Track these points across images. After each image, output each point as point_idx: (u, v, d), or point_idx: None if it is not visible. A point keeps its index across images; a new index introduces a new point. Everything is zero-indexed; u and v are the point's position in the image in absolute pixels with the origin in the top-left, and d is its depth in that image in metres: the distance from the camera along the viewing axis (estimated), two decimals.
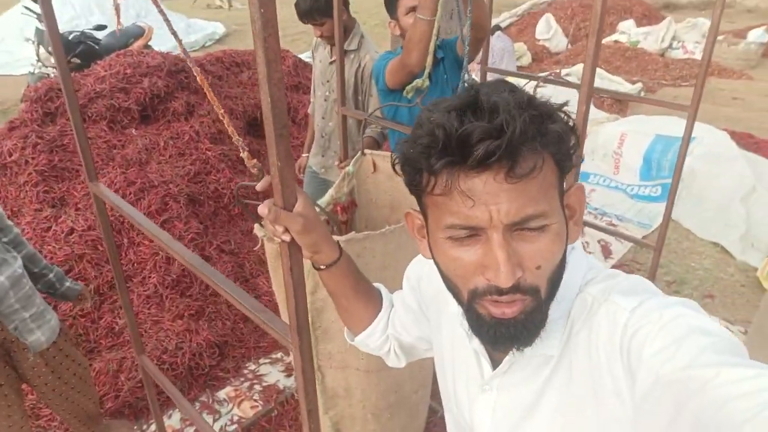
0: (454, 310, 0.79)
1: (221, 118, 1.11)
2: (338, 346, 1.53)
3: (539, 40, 9.11)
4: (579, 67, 6.92)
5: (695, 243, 3.88)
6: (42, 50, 5.97)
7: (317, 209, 1.65)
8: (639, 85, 6.77)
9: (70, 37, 5.97)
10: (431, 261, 0.88)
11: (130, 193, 3.15)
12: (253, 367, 2.71)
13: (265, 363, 2.73)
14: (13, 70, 8.33)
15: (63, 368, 1.92)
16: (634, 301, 0.62)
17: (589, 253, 3.45)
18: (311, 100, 2.94)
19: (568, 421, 0.67)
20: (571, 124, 0.63)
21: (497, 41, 7.44)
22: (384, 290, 1.02)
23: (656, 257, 2.48)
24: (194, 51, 9.36)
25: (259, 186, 0.82)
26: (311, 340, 1.51)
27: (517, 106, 0.57)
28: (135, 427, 2.38)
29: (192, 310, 2.83)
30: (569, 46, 8.95)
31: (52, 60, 6.16)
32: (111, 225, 3.03)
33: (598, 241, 3.91)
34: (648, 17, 10.03)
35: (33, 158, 3.22)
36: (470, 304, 0.65)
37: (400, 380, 1.62)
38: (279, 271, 1.57)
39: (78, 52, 5.93)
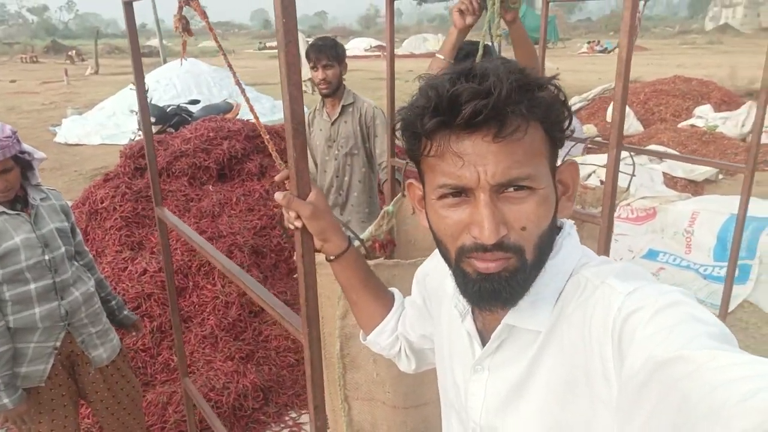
0: (450, 291, 0.82)
1: (267, 144, 1.25)
2: (365, 376, 1.55)
3: (608, 123, 9.09)
4: (650, 147, 6.83)
5: None
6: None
7: (356, 242, 1.74)
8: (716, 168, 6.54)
9: (168, 110, 6.69)
10: (437, 258, 0.94)
11: None
12: (294, 415, 2.73)
13: (305, 413, 2.74)
14: (119, 140, 9.35)
15: (118, 387, 2.05)
16: (630, 285, 0.62)
17: None
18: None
19: (560, 399, 0.67)
20: (561, 97, 0.66)
21: None
22: (398, 293, 1.07)
23: None
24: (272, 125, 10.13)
25: (278, 177, 0.93)
26: (339, 367, 1.56)
27: (507, 72, 0.62)
28: None
29: (243, 353, 2.93)
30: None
31: (152, 129, 6.92)
32: (179, 269, 3.27)
33: None
34: (728, 103, 9.81)
35: (120, 206, 3.59)
36: (457, 264, 0.68)
37: (428, 419, 1.60)
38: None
39: (173, 122, 6.61)
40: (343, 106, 2.79)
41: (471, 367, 0.77)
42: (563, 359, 0.66)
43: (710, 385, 0.46)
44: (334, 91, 2.74)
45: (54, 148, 9.45)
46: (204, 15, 1.09)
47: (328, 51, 2.66)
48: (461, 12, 1.84)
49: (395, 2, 2.24)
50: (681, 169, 6.36)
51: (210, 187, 3.95)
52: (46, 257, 1.79)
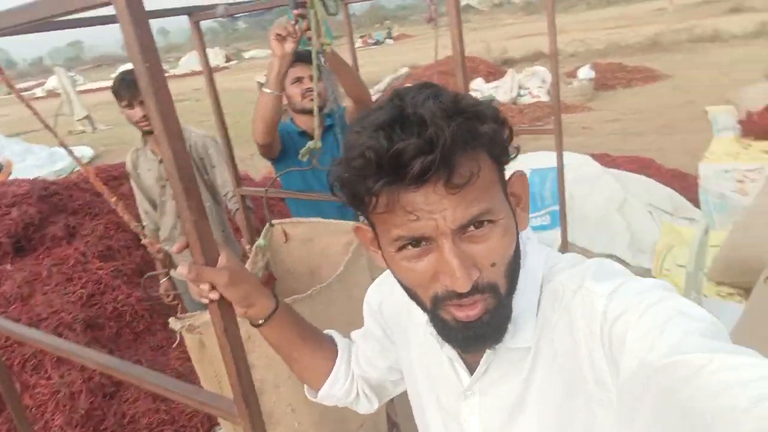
0: (421, 320, 0.77)
1: (115, 207, 1.06)
2: (285, 429, 1.44)
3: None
4: None
5: (594, 257, 4.21)
6: None
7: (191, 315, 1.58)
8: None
9: None
10: (389, 283, 0.87)
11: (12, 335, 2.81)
12: None
13: None
14: None
15: None
16: (610, 285, 0.61)
17: None
18: (145, 224, 2.77)
19: (558, 408, 0.66)
20: (502, 118, 0.63)
21: None
22: (336, 334, 0.99)
23: None
24: (64, 177, 8.87)
25: (176, 248, 0.78)
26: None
27: (444, 115, 0.57)
28: None
29: None
30: None
31: None
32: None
33: None
34: (493, 73, 11.22)
35: None
36: (434, 311, 0.65)
37: None
38: (203, 363, 1.48)
39: None
40: None
41: (460, 393, 0.75)
42: (555, 368, 0.66)
43: (711, 390, 0.46)
44: None
45: None
46: None
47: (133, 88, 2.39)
48: (279, 38, 1.76)
49: (195, 31, 2.09)
50: None
51: (8, 266, 3.29)
52: None
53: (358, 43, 32.84)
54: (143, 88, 0.66)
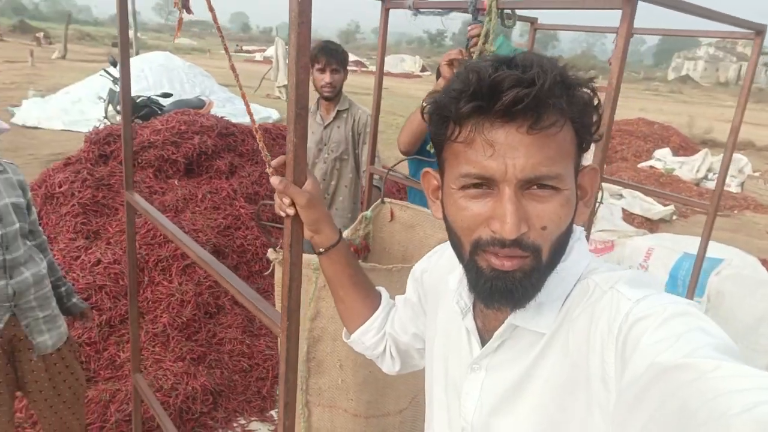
0: (453, 286, 0.80)
1: (256, 134, 1.20)
2: (329, 381, 1.51)
3: None
4: (611, 186, 7.04)
5: None
6: (110, 108, 6.50)
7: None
8: (671, 207, 6.80)
9: (137, 100, 6.51)
10: (439, 252, 0.92)
11: (160, 235, 3.28)
12: (243, 422, 2.64)
13: (255, 420, 2.65)
14: (83, 127, 9.02)
15: (60, 378, 1.93)
16: (640, 293, 0.61)
17: None
18: None
19: (558, 400, 0.66)
20: (595, 101, 0.66)
21: None
22: (385, 292, 1.04)
23: None
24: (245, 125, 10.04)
25: (275, 162, 0.89)
26: (304, 371, 1.52)
27: (550, 65, 0.61)
28: None
29: (194, 355, 2.83)
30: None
31: (117, 118, 6.71)
32: (135, 265, 3.14)
33: None
34: (685, 148, 10.26)
35: (79, 192, 3.44)
36: (471, 257, 0.66)
37: (387, 431, 1.57)
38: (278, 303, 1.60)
39: (141, 114, 6.43)
40: (338, 111, 2.80)
41: (468, 365, 0.76)
42: (564, 361, 0.66)
43: (712, 393, 0.45)
44: (335, 95, 2.75)
45: (10, 129, 9.04)
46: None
47: (339, 56, 2.69)
48: (450, 63, 1.86)
49: (370, 18, 2.26)
50: (639, 207, 6.58)
51: (176, 181, 3.83)
52: None
53: None
54: (291, 21, 0.78)
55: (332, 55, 2.67)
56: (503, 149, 0.61)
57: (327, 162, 2.84)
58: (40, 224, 3.36)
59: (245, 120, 10.20)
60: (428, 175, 0.78)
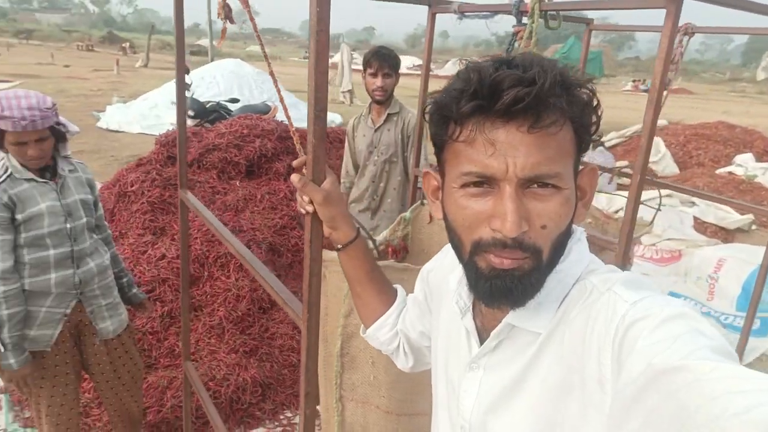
0: (453, 286, 0.81)
1: (293, 136, 1.26)
2: (362, 377, 1.54)
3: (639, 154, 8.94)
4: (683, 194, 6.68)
5: None
6: None
7: (370, 243, 1.75)
8: (750, 216, 6.35)
9: (207, 106, 6.85)
10: (445, 251, 0.94)
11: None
12: (289, 415, 2.72)
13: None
14: (157, 131, 9.55)
15: (120, 362, 2.08)
16: (637, 295, 0.61)
17: None
18: (342, 180, 3.13)
19: (553, 401, 0.66)
20: (594, 102, 0.66)
21: (598, 156, 7.45)
22: (401, 289, 1.07)
23: None
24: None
25: (296, 162, 0.94)
26: (338, 366, 1.56)
27: (550, 66, 0.62)
28: None
29: (247, 348, 2.95)
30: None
31: (189, 122, 7.10)
32: (196, 258, 3.32)
33: None
34: None
35: (149, 191, 3.68)
36: (471, 258, 0.67)
37: (420, 430, 1.58)
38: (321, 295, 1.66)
39: (211, 118, 6.77)
40: (388, 114, 2.86)
41: (466, 364, 0.77)
42: (560, 362, 0.66)
43: (709, 395, 0.45)
44: (386, 99, 2.82)
45: (95, 133, 9.76)
46: (246, 4, 1.12)
47: (391, 60, 2.75)
48: None
49: (438, 21, 2.29)
50: (713, 215, 6.19)
51: (237, 182, 4.02)
52: (68, 226, 1.84)
53: (629, 86, 30.79)
54: (311, 27, 0.83)
55: (384, 60, 2.73)
56: (504, 148, 0.62)
57: (377, 164, 2.90)
58: (113, 220, 3.63)
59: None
60: (429, 176, 0.79)
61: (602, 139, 8.88)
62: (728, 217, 6.16)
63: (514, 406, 0.70)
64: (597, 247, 1.64)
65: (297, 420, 2.68)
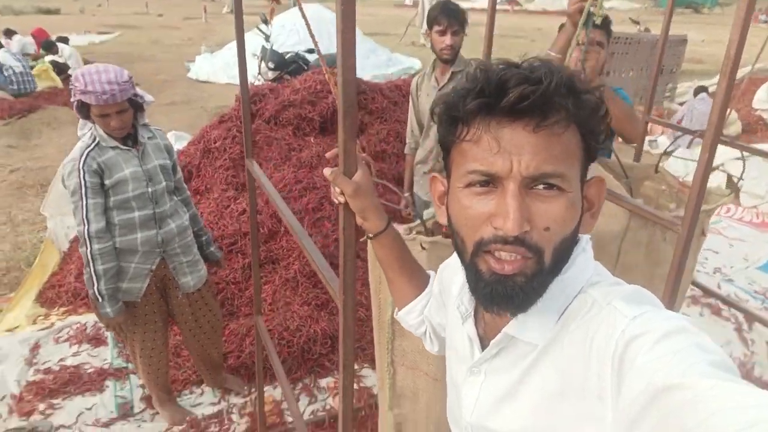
0: (455, 291, 0.83)
1: (328, 81, 1.27)
2: (412, 344, 1.60)
3: (756, 110, 8.08)
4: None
5: None
6: (263, 65, 7.03)
7: (419, 221, 1.76)
8: None
9: (286, 57, 6.96)
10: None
11: (295, 189, 3.58)
12: (356, 367, 2.87)
13: (367, 367, 2.88)
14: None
15: (201, 314, 2.28)
16: (637, 310, 0.61)
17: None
18: (408, 141, 3.07)
19: (546, 411, 0.67)
20: (603, 110, 0.66)
21: (700, 104, 6.82)
22: (434, 275, 1.08)
23: None
24: (375, 81, 10.21)
25: (328, 154, 0.97)
26: (389, 333, 1.62)
27: (558, 69, 0.63)
28: (245, 387, 2.69)
29: (319, 301, 3.11)
30: None
31: (269, 74, 7.27)
32: (275, 213, 3.49)
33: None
34: None
35: (230, 147, 3.86)
36: (473, 259, 0.66)
37: None
38: (372, 265, 1.71)
39: (290, 69, 6.88)
40: (452, 72, 2.78)
41: (468, 368, 0.79)
42: (556, 373, 0.66)
43: (708, 411, 0.45)
44: (455, 57, 2.74)
45: (185, 84, 10.26)
46: None
47: (460, 16, 2.66)
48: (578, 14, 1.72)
49: None
50: None
51: (312, 138, 4.11)
52: (149, 189, 2.00)
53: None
54: (337, 29, 0.82)
55: (453, 16, 2.63)
56: (509, 146, 0.62)
57: None
58: (199, 175, 3.86)
59: (387, 71, 10.37)
60: (436, 180, 0.79)
61: (705, 84, 8.07)
62: None
63: (511, 411, 0.72)
64: (657, 224, 1.51)
65: (363, 373, 2.83)
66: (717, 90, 1.23)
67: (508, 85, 0.61)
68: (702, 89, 7.04)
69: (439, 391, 1.62)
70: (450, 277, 0.91)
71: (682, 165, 4.81)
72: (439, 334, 1.04)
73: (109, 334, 2.99)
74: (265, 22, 7.01)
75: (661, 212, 1.49)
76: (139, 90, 1.97)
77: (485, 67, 0.64)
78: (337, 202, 0.96)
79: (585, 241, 0.72)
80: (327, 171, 0.93)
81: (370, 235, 1.02)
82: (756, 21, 25.65)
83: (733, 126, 7.56)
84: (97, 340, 2.99)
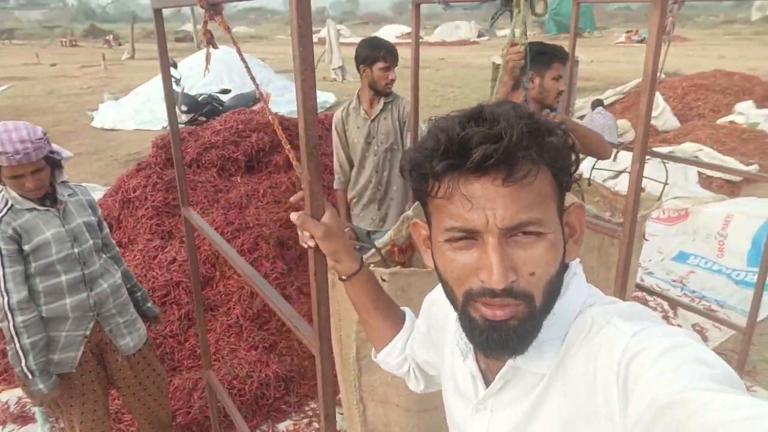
0: (453, 328, 0.82)
1: (286, 150, 1.26)
2: (381, 378, 1.58)
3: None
4: (686, 146, 6.64)
5: None
6: (175, 109, 6.82)
7: (375, 250, 1.76)
8: (755, 167, 6.31)
9: (199, 99, 6.80)
10: None
11: (227, 231, 3.46)
12: (314, 405, 2.79)
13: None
14: (153, 126, 9.56)
15: (144, 375, 2.13)
16: (636, 326, 0.62)
17: None
18: (336, 176, 3.11)
19: None
20: (570, 142, 0.66)
21: (598, 117, 7.37)
22: (410, 313, 1.07)
23: (745, 342, 2.28)
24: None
25: (293, 198, 0.95)
26: (355, 369, 1.59)
27: (517, 117, 0.62)
28: None
29: (266, 343, 3.00)
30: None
31: (182, 117, 7.06)
32: (207, 259, 3.35)
33: (693, 326, 3.62)
34: None
35: (152, 195, 3.68)
36: (464, 308, 0.67)
37: (440, 424, 1.62)
38: (331, 299, 1.68)
39: (204, 111, 6.72)
40: (384, 103, 2.87)
41: (473, 406, 0.78)
42: (566, 399, 0.66)
43: (710, 425, 0.46)
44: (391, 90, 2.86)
45: (90, 133, 9.72)
46: (228, 30, 1.11)
47: (397, 54, 2.82)
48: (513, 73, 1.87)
49: (414, 14, 2.27)
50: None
51: (238, 178, 4.01)
52: (75, 250, 1.86)
53: (621, 38, 30.18)
54: (295, 68, 0.82)
55: (394, 55, 2.81)
56: (481, 201, 0.62)
57: (378, 154, 2.90)
58: (120, 227, 3.64)
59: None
60: (418, 226, 0.79)
61: (601, 98, 8.77)
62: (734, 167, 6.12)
63: None
64: (600, 233, 1.62)
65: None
66: (639, 105, 1.36)
67: (471, 145, 0.61)
68: (599, 102, 7.62)
69: (411, 421, 1.60)
70: (443, 313, 0.90)
71: (597, 174, 5.17)
72: (425, 371, 1.02)
73: (37, 410, 2.71)
74: (174, 66, 6.82)
75: (604, 221, 1.59)
76: (55, 146, 1.84)
77: (445, 127, 0.64)
78: (306, 246, 0.93)
79: (575, 264, 0.73)
80: (294, 215, 0.91)
81: (343, 278, 0.98)
82: (630, 41, 28.33)
83: (629, 134, 8.24)
84: (23, 418, 2.70)
